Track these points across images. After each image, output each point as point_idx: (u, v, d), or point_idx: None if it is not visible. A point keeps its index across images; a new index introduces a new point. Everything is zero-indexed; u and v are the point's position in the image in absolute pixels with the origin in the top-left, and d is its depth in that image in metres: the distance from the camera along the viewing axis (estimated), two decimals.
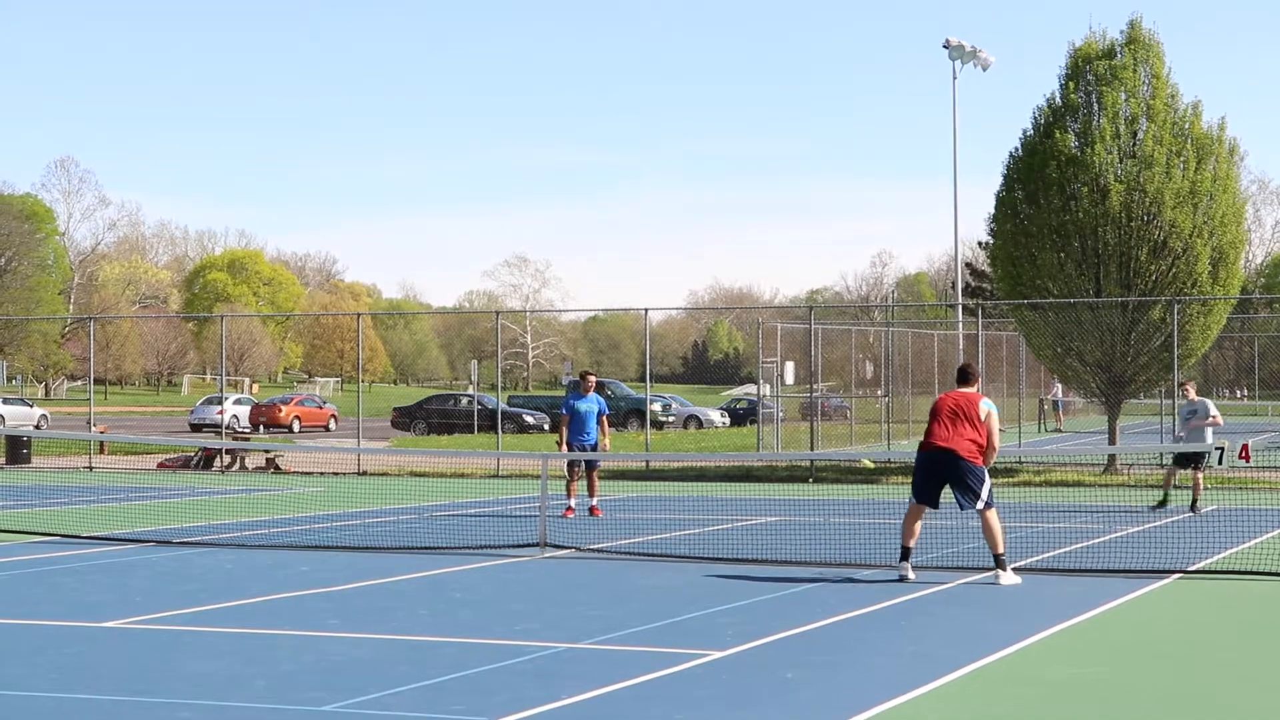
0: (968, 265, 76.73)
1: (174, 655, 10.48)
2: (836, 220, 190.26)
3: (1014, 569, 14.53)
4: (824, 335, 43.79)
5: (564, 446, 21.07)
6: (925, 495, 14.46)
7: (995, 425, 14.51)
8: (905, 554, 14.39)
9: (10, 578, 14.69)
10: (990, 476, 14.48)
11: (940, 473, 14.33)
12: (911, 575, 14.28)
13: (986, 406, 14.49)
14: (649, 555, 16.70)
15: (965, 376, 14.88)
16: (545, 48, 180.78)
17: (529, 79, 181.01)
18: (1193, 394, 22.40)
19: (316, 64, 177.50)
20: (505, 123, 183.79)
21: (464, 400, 58.04)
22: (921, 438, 14.77)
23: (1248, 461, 15.62)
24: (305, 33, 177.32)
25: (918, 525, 14.46)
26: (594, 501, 21.36)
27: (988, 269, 56.68)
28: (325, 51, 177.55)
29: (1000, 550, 14.24)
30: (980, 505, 14.19)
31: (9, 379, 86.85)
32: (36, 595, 13.54)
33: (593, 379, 21.91)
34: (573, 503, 21.12)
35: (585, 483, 21.57)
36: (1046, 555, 16.47)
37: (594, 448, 21.12)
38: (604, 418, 21.48)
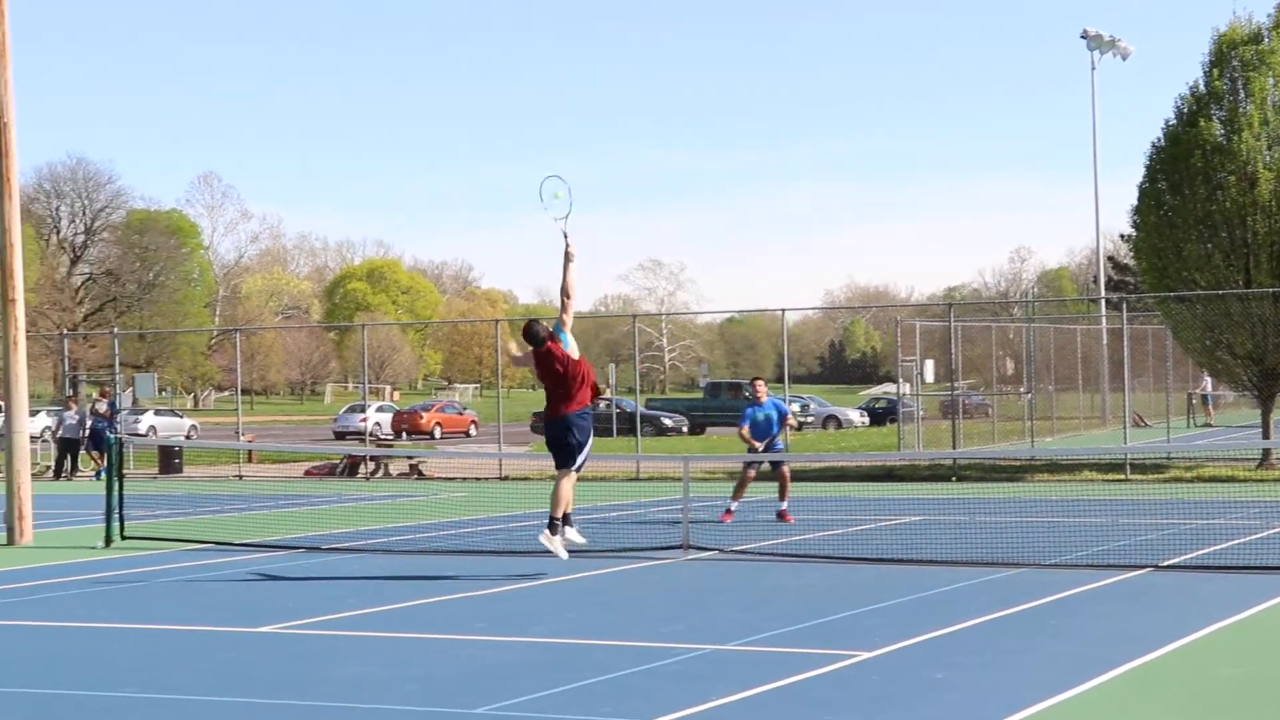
0: (1110, 258, 75.47)
1: (326, 659, 10.65)
2: (973, 216, 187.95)
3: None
4: (963, 332, 43.31)
5: (749, 444, 20.42)
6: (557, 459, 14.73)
7: (569, 348, 14.55)
8: (565, 520, 14.69)
9: (166, 585, 15.04)
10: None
11: (555, 438, 14.62)
12: (564, 553, 14.68)
13: (563, 342, 14.54)
14: (791, 556, 16.62)
15: (532, 338, 14.67)
16: (677, 50, 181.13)
17: (660, 81, 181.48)
18: None
19: (449, 73, 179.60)
20: (637, 125, 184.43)
21: (602, 404, 58.32)
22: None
23: None
24: (436, 46, 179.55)
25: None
26: (783, 506, 20.54)
27: (1131, 262, 55.66)
28: (458, 62, 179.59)
29: (557, 514, 14.54)
30: (582, 455, 14.54)
31: (159, 391, 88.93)
32: (192, 602, 13.83)
33: (761, 384, 21.00)
34: (734, 506, 20.74)
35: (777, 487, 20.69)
36: (1200, 552, 16.12)
37: (774, 449, 20.52)
38: (786, 419, 20.71)
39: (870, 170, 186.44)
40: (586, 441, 14.62)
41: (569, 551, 14.75)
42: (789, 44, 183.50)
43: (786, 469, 20.69)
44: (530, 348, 14.75)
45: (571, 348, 14.59)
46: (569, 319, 14.79)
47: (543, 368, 14.64)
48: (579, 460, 14.61)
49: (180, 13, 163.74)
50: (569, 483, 14.58)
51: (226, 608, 13.32)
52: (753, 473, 20.82)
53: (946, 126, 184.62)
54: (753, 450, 20.41)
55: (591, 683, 9.54)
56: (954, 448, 34.83)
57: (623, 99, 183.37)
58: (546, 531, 14.61)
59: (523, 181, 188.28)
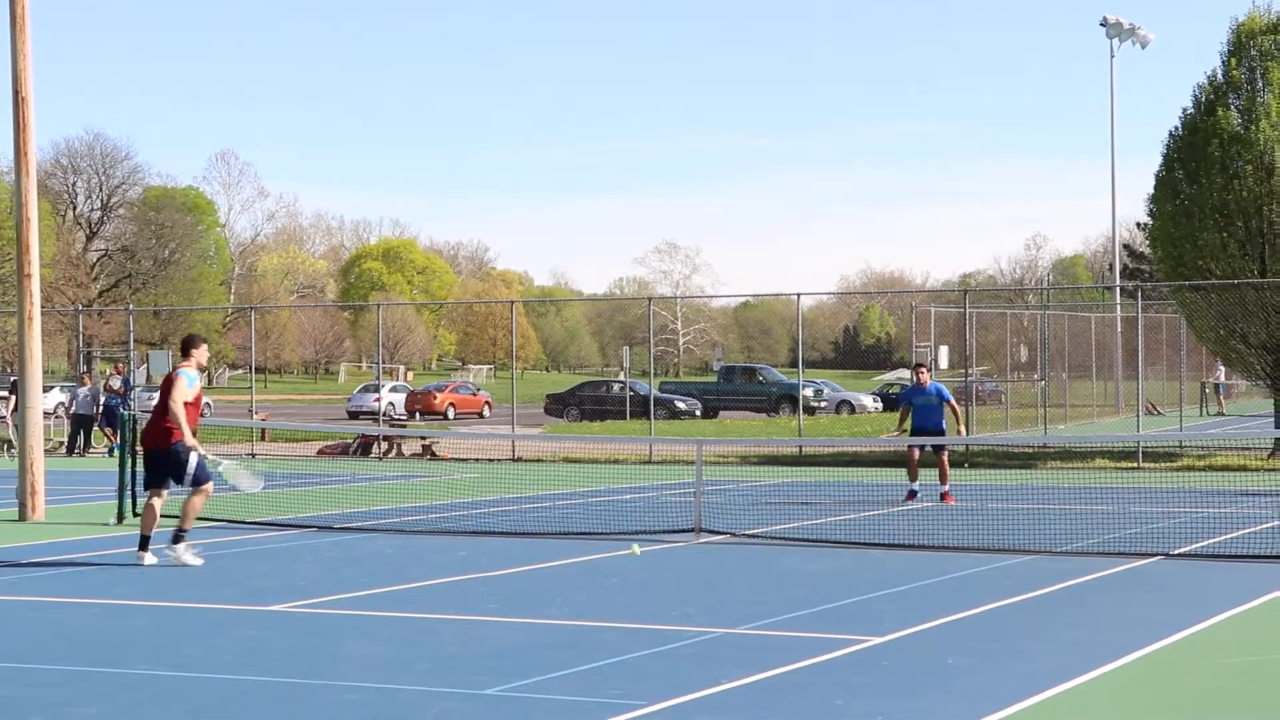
0: (1125, 247, 75.25)
1: (339, 639, 10.69)
2: (989, 203, 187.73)
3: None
4: (978, 319, 43.24)
5: (900, 431, 21.29)
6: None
7: (179, 393, 14.62)
8: (144, 542, 14.82)
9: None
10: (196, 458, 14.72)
11: (157, 465, 14.93)
12: (149, 561, 14.60)
13: (179, 381, 14.67)
14: (804, 540, 16.65)
15: (182, 348, 15.17)
16: (696, 34, 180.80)
17: (679, 65, 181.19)
18: None
19: (467, 54, 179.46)
20: (654, 109, 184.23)
21: (616, 387, 58.32)
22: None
23: None
24: (455, 24, 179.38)
25: (159, 508, 15.02)
26: (945, 488, 20.78)
27: (1146, 250, 55.54)
28: (475, 42, 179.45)
29: (186, 527, 14.74)
30: (188, 484, 14.73)
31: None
32: (204, 579, 13.86)
33: (925, 371, 21.34)
34: (915, 487, 20.74)
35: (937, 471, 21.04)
36: (1211, 541, 16.11)
37: (938, 433, 20.77)
38: (948, 404, 20.89)
39: (886, 156, 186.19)
40: (186, 460, 14.74)
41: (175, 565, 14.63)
42: (807, 30, 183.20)
43: (945, 455, 21.24)
44: None
45: (181, 390, 14.63)
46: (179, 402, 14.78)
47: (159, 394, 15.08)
48: (186, 478, 14.80)
49: None
50: (200, 498, 14.87)
51: (238, 586, 13.36)
52: (917, 453, 21.05)
53: (963, 113, 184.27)
54: (903, 434, 21.19)
55: (603, 664, 9.56)
56: (966, 434, 34.73)
57: (640, 82, 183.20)
58: (176, 548, 14.66)
59: (540, 163, 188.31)
